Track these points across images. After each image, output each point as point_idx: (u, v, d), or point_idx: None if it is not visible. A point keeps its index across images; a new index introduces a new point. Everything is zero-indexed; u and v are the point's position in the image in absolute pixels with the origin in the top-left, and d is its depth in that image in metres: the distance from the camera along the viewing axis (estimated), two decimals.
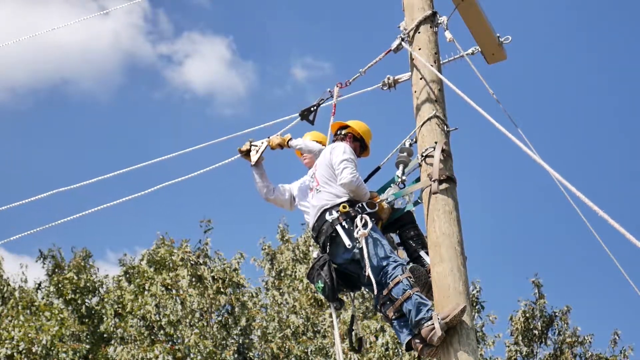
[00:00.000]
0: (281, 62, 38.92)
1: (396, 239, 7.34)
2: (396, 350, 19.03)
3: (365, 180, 7.38)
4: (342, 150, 7.21)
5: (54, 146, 37.88)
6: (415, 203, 7.19)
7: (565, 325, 23.01)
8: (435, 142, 6.83)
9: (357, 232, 6.74)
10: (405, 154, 7.29)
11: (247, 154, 7.63)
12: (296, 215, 8.28)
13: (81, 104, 37.63)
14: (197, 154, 8.26)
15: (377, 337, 19.48)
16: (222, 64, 40.55)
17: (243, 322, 21.66)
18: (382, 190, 7.36)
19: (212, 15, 41.04)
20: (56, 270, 22.68)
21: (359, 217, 6.83)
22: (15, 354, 19.12)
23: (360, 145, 7.55)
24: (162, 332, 20.62)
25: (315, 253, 7.08)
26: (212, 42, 40.92)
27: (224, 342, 21.15)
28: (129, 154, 34.96)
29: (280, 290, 22.78)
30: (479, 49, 7.79)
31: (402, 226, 7.26)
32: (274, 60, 39.46)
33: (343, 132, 7.56)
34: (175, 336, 20.49)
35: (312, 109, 7.76)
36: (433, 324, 6.24)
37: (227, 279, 21.63)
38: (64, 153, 37.52)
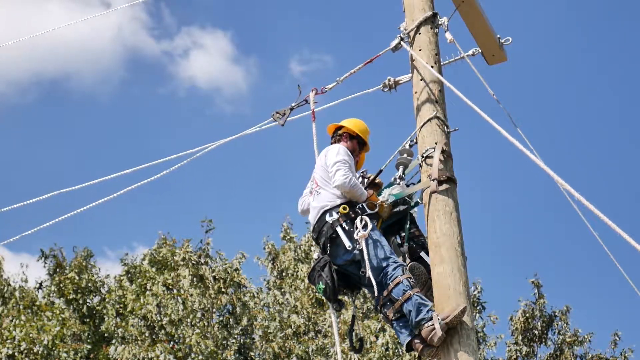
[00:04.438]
0: (282, 57, 38.90)
1: (397, 240, 7.35)
2: (396, 351, 19.04)
3: (370, 183, 7.38)
4: (336, 152, 7.20)
5: (55, 141, 37.92)
6: (416, 204, 7.20)
7: (565, 325, 23.03)
8: (436, 143, 6.84)
9: (357, 234, 6.75)
10: (405, 155, 7.29)
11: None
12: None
13: (82, 99, 37.64)
14: (198, 151, 8.29)
15: (377, 337, 19.49)
16: (224, 60, 40.52)
17: (244, 321, 21.69)
18: (382, 192, 7.36)
19: (215, 9, 41.00)
20: (57, 270, 22.69)
21: (358, 218, 6.83)
22: (16, 353, 19.16)
23: (358, 143, 7.53)
24: (163, 331, 20.63)
25: (316, 254, 7.08)
26: (215, 37, 40.88)
27: (225, 341, 21.17)
28: (129, 149, 34.99)
29: (282, 290, 22.79)
30: (480, 50, 7.81)
31: (402, 227, 7.26)
32: (275, 55, 39.46)
33: (339, 132, 7.56)
34: (176, 336, 20.51)
35: (284, 112, 7.78)
36: (433, 325, 6.25)
37: (228, 279, 21.65)
38: (65, 148, 37.57)
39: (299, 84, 7.74)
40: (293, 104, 7.73)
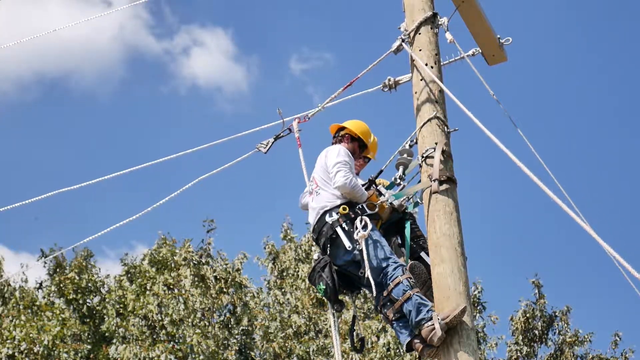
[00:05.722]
0: (283, 56, 38.85)
1: (398, 240, 7.34)
2: (398, 351, 19.04)
3: (371, 185, 7.38)
4: (336, 152, 7.23)
5: (55, 140, 37.90)
6: (416, 204, 7.20)
7: (566, 325, 23.03)
8: (436, 143, 6.84)
9: (357, 234, 6.76)
10: (405, 155, 7.29)
11: None
12: (300, 214, 8.27)
13: (83, 98, 37.61)
14: (199, 151, 8.32)
15: (378, 338, 19.50)
16: (225, 58, 40.48)
17: (245, 321, 21.69)
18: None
19: (215, 8, 40.94)
20: (57, 270, 22.70)
21: (358, 218, 6.84)
22: (16, 354, 19.16)
23: (359, 145, 7.56)
24: (164, 331, 20.64)
25: (316, 255, 7.09)
26: (215, 35, 40.83)
27: (226, 341, 21.17)
28: (130, 148, 34.97)
29: (283, 290, 22.80)
30: (480, 50, 7.81)
31: (403, 228, 7.26)
32: (276, 54, 39.42)
33: (340, 133, 7.58)
34: (177, 336, 20.52)
35: (268, 142, 7.83)
36: (433, 325, 6.25)
37: (229, 279, 21.66)
38: (65, 147, 37.54)
39: (279, 109, 7.70)
40: (276, 135, 7.80)
